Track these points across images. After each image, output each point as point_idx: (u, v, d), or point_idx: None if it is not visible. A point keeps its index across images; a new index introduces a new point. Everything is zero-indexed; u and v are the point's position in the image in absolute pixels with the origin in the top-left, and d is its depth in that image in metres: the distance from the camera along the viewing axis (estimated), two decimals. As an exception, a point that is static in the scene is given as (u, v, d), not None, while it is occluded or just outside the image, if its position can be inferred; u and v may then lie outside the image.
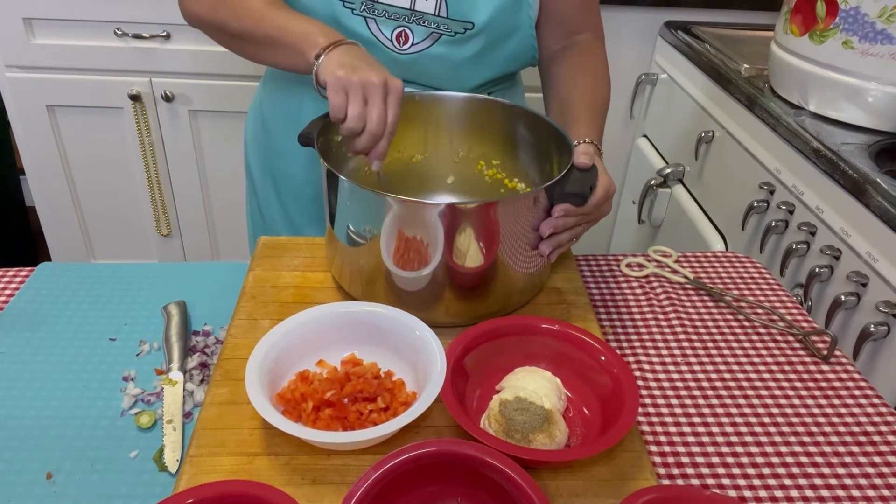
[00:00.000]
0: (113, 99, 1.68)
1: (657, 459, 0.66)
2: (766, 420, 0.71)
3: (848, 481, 0.64)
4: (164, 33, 1.61)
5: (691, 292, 0.89)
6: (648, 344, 0.80)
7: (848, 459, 0.66)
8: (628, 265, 0.93)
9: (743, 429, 0.69)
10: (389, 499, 0.52)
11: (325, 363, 0.68)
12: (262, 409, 0.58)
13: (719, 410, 0.71)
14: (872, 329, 0.95)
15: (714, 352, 0.79)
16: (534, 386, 0.64)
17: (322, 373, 0.67)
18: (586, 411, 0.66)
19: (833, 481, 0.64)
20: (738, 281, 0.92)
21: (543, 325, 0.69)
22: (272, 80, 1.01)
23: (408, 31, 0.85)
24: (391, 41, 0.86)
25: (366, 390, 0.63)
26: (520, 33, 0.89)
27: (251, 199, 1.10)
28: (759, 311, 0.86)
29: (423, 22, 0.84)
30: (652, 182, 1.61)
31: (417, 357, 0.65)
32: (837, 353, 0.80)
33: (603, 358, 0.66)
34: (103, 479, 0.62)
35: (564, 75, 0.92)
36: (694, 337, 0.81)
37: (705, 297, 0.88)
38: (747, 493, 0.63)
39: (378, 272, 0.73)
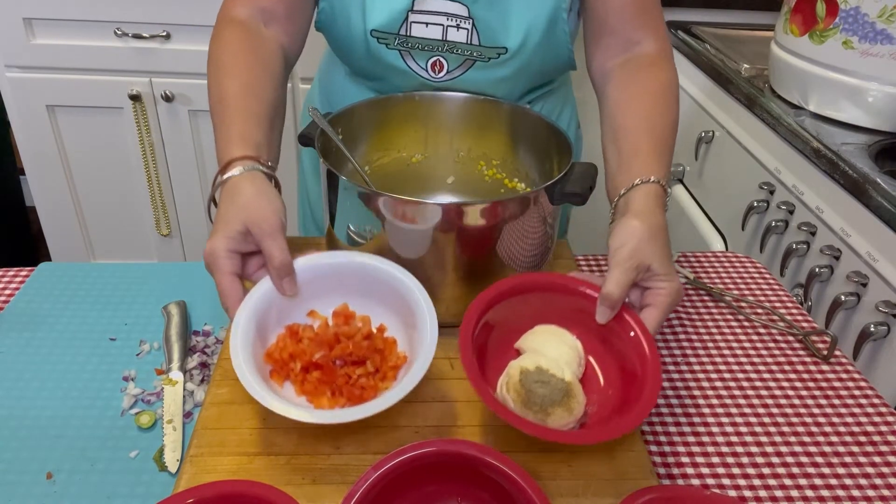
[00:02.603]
0: (113, 99, 1.68)
1: (657, 459, 0.66)
2: (766, 420, 0.71)
3: (848, 481, 0.64)
4: (164, 33, 1.61)
5: (691, 292, 0.89)
6: (648, 344, 0.80)
7: (848, 459, 0.66)
8: (628, 265, 0.93)
9: (743, 429, 0.69)
10: (389, 499, 0.52)
11: (317, 314, 0.67)
12: (247, 383, 0.56)
13: (719, 410, 0.71)
14: (872, 329, 0.95)
15: (714, 352, 0.79)
16: (555, 353, 0.63)
17: (313, 325, 0.65)
18: (602, 380, 0.65)
19: (833, 481, 0.64)
20: (738, 281, 0.92)
21: (581, 288, 0.67)
22: (326, 77, 1.02)
23: (442, 60, 0.85)
24: (426, 71, 0.86)
25: (355, 353, 0.62)
26: (555, 49, 0.86)
27: (303, 199, 1.09)
28: (759, 311, 0.86)
29: (456, 50, 0.84)
30: (652, 182, 1.61)
31: (411, 317, 0.64)
32: (837, 353, 0.80)
33: (632, 334, 0.64)
34: (103, 479, 0.62)
35: (620, 96, 0.80)
36: (694, 337, 0.81)
37: (705, 297, 0.88)
38: (747, 493, 0.63)
39: (378, 272, 0.73)
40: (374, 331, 0.66)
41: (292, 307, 0.66)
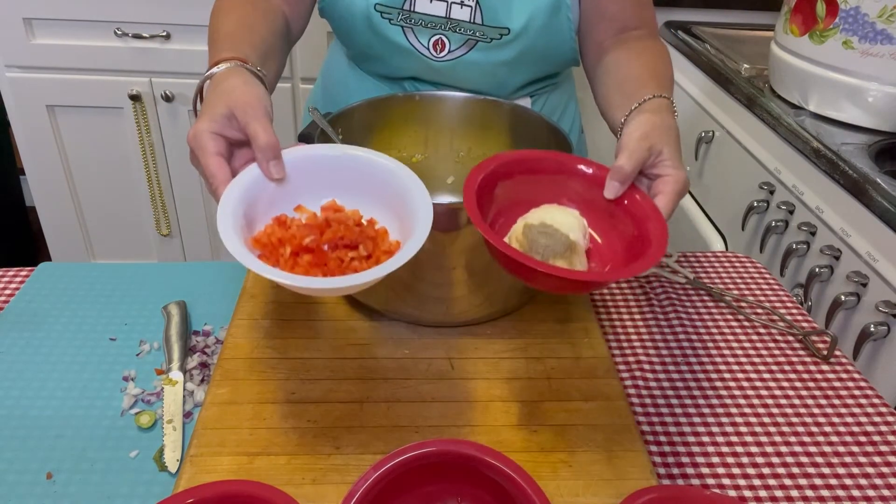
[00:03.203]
0: (113, 99, 1.68)
1: (657, 459, 0.66)
2: (766, 420, 0.71)
3: (848, 481, 0.64)
4: (164, 33, 1.61)
5: (691, 292, 0.89)
6: (648, 344, 0.80)
7: (848, 459, 0.66)
8: (628, 265, 0.93)
9: (743, 429, 0.69)
10: (389, 499, 0.52)
11: (304, 209, 0.64)
12: (236, 252, 0.54)
13: (719, 410, 0.71)
14: (872, 329, 0.95)
15: (714, 352, 0.79)
16: (562, 219, 0.62)
17: (301, 218, 0.63)
18: (607, 253, 0.64)
19: (833, 481, 0.64)
20: (738, 281, 0.92)
21: (579, 167, 0.66)
22: (328, 72, 1.02)
23: (444, 38, 0.85)
24: (428, 49, 0.86)
25: (347, 237, 0.60)
26: (558, 36, 0.87)
27: None
28: (759, 311, 0.86)
29: (459, 29, 0.84)
30: (652, 182, 1.61)
31: (403, 206, 0.61)
32: (837, 353, 0.80)
33: (640, 211, 0.63)
34: (103, 479, 0.62)
35: (620, 55, 0.84)
36: (694, 337, 0.81)
37: (705, 297, 0.88)
38: (747, 493, 0.63)
39: (378, 272, 0.73)
40: (365, 223, 0.63)
41: (280, 200, 0.63)
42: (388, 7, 0.83)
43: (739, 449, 0.67)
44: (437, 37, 0.85)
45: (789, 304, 0.88)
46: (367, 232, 0.61)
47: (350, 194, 0.64)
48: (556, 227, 0.60)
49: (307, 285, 0.54)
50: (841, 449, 0.68)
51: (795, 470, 0.65)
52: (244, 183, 0.60)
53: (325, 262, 0.58)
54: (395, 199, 0.62)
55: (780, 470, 0.65)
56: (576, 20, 0.88)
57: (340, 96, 0.99)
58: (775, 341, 0.81)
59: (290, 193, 0.63)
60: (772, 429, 0.70)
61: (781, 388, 0.75)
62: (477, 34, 0.84)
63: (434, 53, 0.86)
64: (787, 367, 0.78)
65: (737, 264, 0.95)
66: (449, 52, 0.86)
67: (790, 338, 0.82)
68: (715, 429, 0.69)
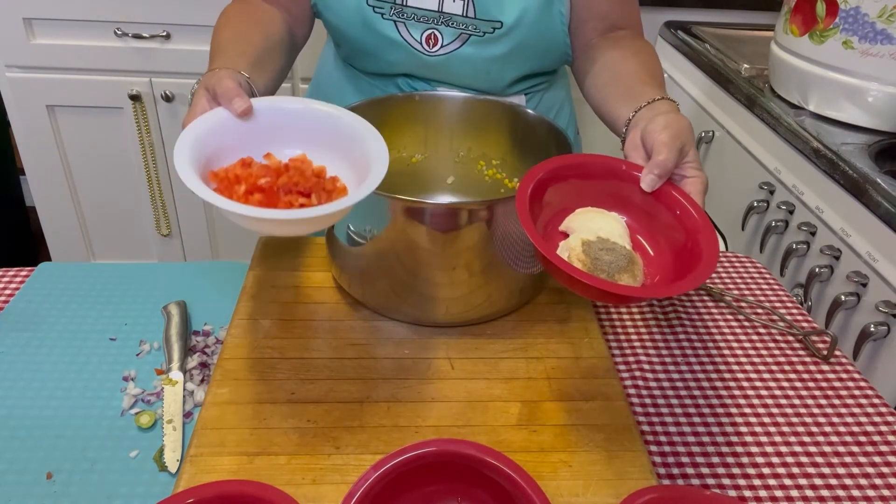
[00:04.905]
0: (113, 99, 1.68)
1: (657, 459, 0.66)
2: (766, 420, 0.71)
3: (848, 481, 0.64)
4: (164, 33, 1.61)
5: (691, 292, 0.89)
6: (648, 344, 0.80)
7: (848, 459, 0.66)
8: (628, 265, 0.93)
9: (743, 429, 0.69)
10: (389, 499, 0.52)
11: (273, 157, 0.65)
12: (184, 173, 0.56)
13: (719, 410, 0.71)
14: (872, 329, 0.95)
15: (714, 352, 0.79)
16: (609, 227, 0.63)
17: (266, 163, 0.65)
18: (651, 252, 0.65)
19: (833, 481, 0.64)
20: (738, 281, 0.92)
21: (624, 168, 0.66)
22: (321, 72, 1.04)
23: (437, 32, 0.86)
24: (421, 44, 0.86)
25: (301, 184, 0.60)
26: (551, 31, 0.88)
27: None
28: (759, 311, 0.86)
29: (452, 23, 0.85)
30: (652, 182, 1.61)
31: (369, 168, 0.61)
32: (837, 353, 0.80)
33: (678, 212, 0.64)
34: (103, 479, 0.62)
35: (613, 53, 0.86)
36: (694, 337, 0.81)
37: (705, 297, 0.88)
38: (747, 493, 0.63)
39: (378, 272, 0.73)
40: (327, 178, 0.64)
41: (251, 146, 0.65)
42: (380, 2, 0.84)
43: (739, 449, 0.67)
44: (429, 31, 0.86)
45: (789, 304, 0.88)
46: (325, 185, 0.62)
47: (322, 151, 0.66)
48: (613, 238, 0.61)
49: (241, 212, 0.54)
50: (841, 449, 0.68)
51: (795, 470, 0.65)
52: (215, 117, 0.63)
53: (276, 204, 0.59)
54: (361, 161, 0.63)
55: (780, 470, 0.65)
56: (568, 15, 0.88)
57: (333, 95, 0.99)
58: (775, 341, 0.81)
59: (262, 142, 0.65)
60: (772, 429, 0.70)
61: (781, 388, 0.75)
62: (469, 28, 0.85)
63: (427, 48, 0.87)
64: (787, 367, 0.78)
65: (737, 264, 0.95)
66: (442, 46, 0.86)
67: (790, 338, 0.82)
68: (715, 429, 0.69)
